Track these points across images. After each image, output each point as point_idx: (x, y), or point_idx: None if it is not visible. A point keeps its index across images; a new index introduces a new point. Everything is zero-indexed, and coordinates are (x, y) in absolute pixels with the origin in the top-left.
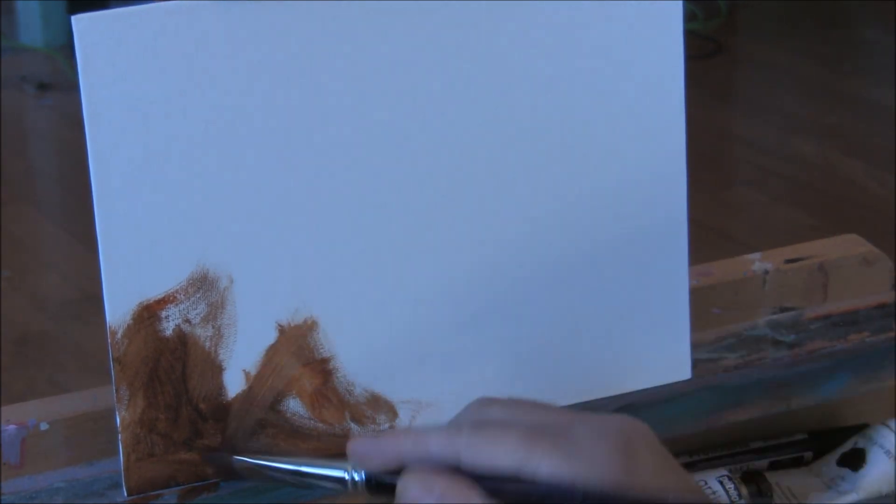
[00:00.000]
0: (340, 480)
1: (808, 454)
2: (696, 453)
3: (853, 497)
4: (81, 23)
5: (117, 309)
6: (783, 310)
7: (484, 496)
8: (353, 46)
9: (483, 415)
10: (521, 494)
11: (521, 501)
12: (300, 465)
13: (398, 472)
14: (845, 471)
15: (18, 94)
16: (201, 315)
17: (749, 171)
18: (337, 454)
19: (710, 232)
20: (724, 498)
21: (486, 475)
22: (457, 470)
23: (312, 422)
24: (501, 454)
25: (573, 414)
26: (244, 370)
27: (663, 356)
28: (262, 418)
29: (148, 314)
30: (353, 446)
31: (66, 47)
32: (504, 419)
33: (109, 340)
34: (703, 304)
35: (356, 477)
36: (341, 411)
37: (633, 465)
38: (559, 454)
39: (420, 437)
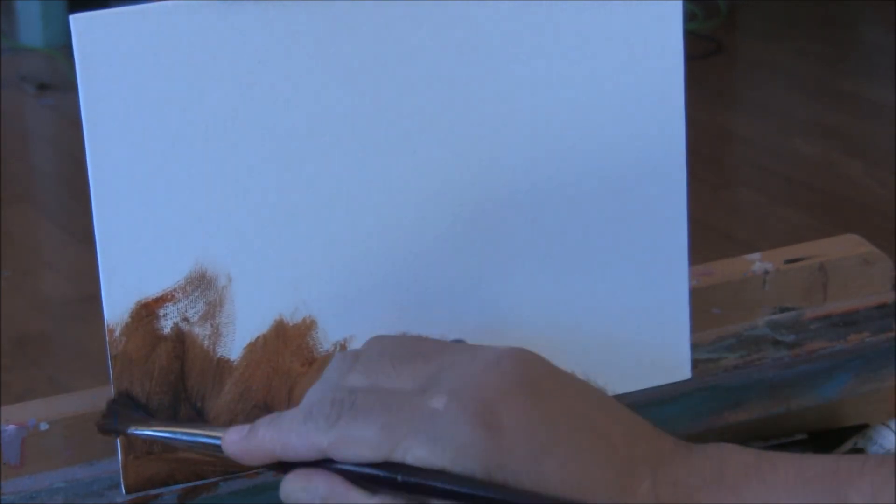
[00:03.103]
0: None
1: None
2: None
3: None
4: (80, 22)
5: (116, 307)
6: (783, 310)
7: (364, 495)
8: (353, 46)
9: (341, 387)
10: (398, 484)
11: (400, 489)
12: (192, 435)
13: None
14: None
15: (18, 93)
16: (200, 314)
17: (749, 171)
18: None
19: (710, 232)
20: None
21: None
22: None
23: None
24: (364, 451)
25: (435, 366)
26: (243, 369)
27: (663, 356)
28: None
29: (146, 313)
30: (225, 445)
31: (66, 47)
32: (363, 393)
33: (108, 339)
34: (703, 304)
35: None
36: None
37: (497, 441)
38: (420, 442)
39: (283, 437)
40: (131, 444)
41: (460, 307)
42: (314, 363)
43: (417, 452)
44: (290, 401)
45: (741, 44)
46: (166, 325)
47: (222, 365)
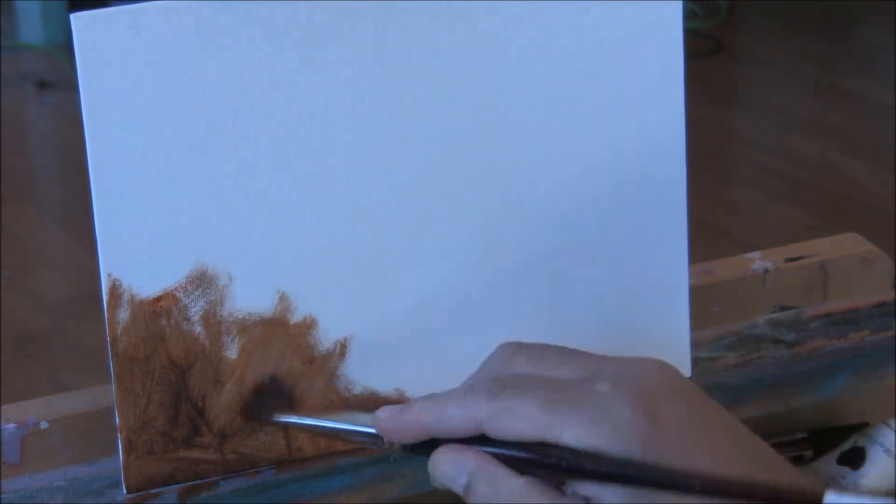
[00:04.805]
0: (377, 438)
1: (808, 453)
2: None
3: None
4: (80, 21)
5: (116, 307)
6: (783, 308)
7: (512, 474)
8: (353, 46)
9: (506, 370)
10: (550, 464)
11: (553, 469)
12: (339, 422)
13: (429, 441)
14: (845, 469)
15: (18, 92)
16: (200, 313)
17: (749, 170)
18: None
19: (710, 231)
20: None
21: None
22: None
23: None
24: (522, 425)
25: (598, 362)
26: (243, 368)
27: (663, 354)
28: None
29: (147, 312)
30: (377, 421)
31: (66, 45)
32: (525, 377)
33: (108, 338)
34: (702, 302)
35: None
36: (342, 410)
37: (656, 429)
38: (580, 420)
39: (440, 410)
40: (132, 443)
41: (461, 306)
42: (314, 362)
43: (575, 430)
44: (291, 400)
45: (741, 43)
46: (167, 325)
47: (223, 364)
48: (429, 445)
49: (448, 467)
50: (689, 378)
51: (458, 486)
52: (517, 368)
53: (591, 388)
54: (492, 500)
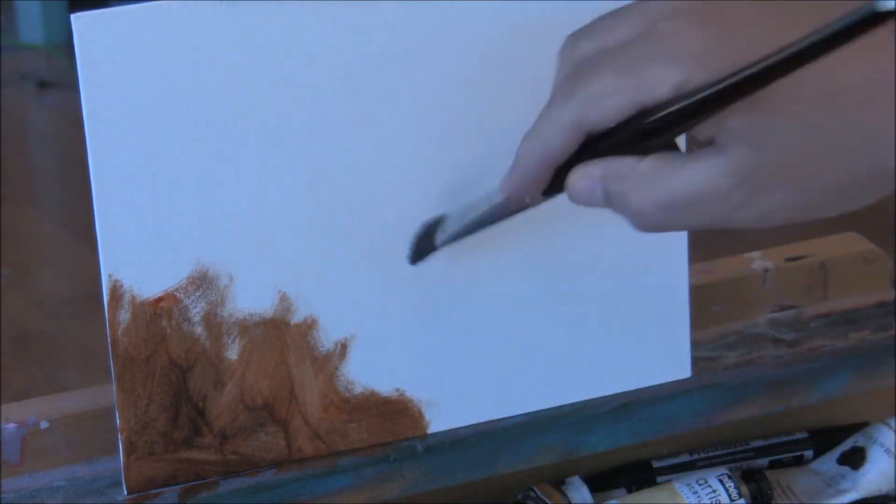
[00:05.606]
0: (515, 204)
1: (809, 453)
2: (695, 452)
3: (853, 495)
4: (81, 21)
5: (117, 307)
6: (783, 308)
7: (636, 159)
8: (353, 46)
9: (571, 62)
10: (661, 124)
11: (668, 126)
12: (476, 216)
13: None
14: (845, 469)
15: (18, 92)
16: (201, 313)
17: None
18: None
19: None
20: (724, 497)
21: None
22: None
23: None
24: (611, 102)
25: (651, 5)
26: (244, 368)
27: (663, 354)
28: (262, 417)
29: (148, 312)
30: (503, 190)
31: (67, 45)
32: (589, 57)
33: (109, 339)
34: (703, 302)
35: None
36: (342, 409)
37: (729, 34)
38: (659, 68)
39: (538, 140)
40: (133, 444)
41: (461, 305)
42: (315, 362)
43: (661, 79)
44: (292, 400)
45: None
46: (168, 326)
47: (223, 364)
48: (561, 179)
49: (580, 188)
50: (690, 377)
51: (600, 200)
52: (580, 54)
53: (653, 31)
54: (630, 193)
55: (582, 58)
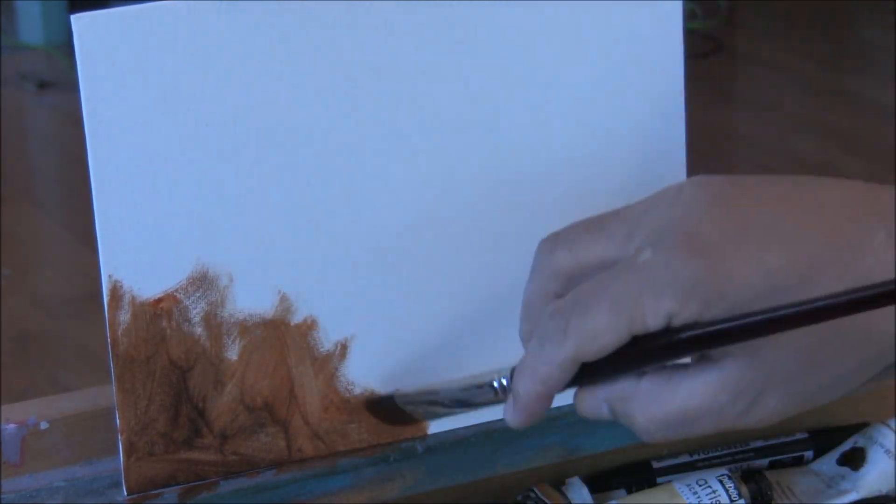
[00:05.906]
0: (494, 390)
1: (809, 453)
2: (695, 452)
3: (853, 496)
4: (81, 21)
5: (117, 307)
6: None
7: (632, 380)
8: (353, 46)
9: (553, 269)
10: (654, 354)
11: (659, 354)
12: (453, 384)
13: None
14: (845, 470)
15: (18, 92)
16: (201, 314)
17: (749, 170)
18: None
19: None
20: (724, 497)
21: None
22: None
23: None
24: (606, 338)
25: (630, 221)
26: (244, 369)
27: None
28: (262, 417)
29: (148, 313)
30: (512, 424)
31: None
32: (581, 289)
33: (109, 339)
34: None
35: (504, 383)
36: (342, 410)
37: (715, 261)
38: (651, 303)
39: (538, 380)
40: (133, 445)
41: (461, 305)
42: (315, 363)
43: (651, 313)
44: (292, 400)
45: (741, 43)
46: (168, 326)
47: (223, 365)
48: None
49: (586, 408)
50: None
51: (607, 416)
52: (559, 261)
53: (639, 264)
54: (634, 412)
55: (564, 276)
